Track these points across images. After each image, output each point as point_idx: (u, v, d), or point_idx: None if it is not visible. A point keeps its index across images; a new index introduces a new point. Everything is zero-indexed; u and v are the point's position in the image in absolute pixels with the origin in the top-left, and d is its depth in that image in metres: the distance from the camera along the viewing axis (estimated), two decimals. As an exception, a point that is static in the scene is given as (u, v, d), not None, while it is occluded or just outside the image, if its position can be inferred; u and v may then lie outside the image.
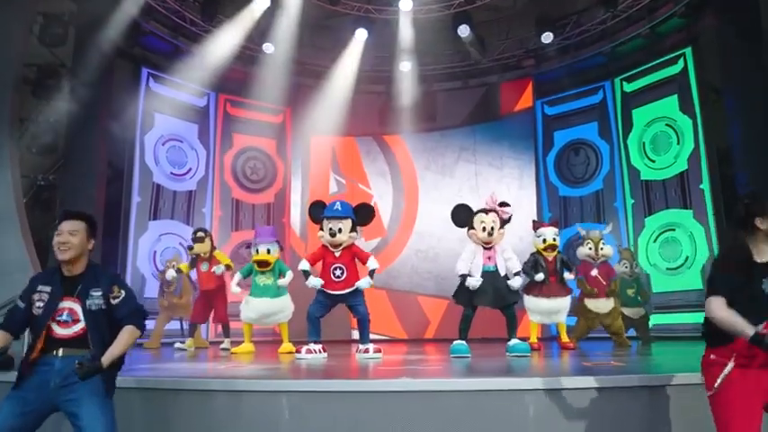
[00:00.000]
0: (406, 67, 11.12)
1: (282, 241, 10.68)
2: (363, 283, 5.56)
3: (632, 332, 7.59)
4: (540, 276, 6.38)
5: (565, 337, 6.62)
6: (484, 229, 5.39)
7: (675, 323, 8.84)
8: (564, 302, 6.53)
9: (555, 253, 6.60)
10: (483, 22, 11.01)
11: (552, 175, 11.10)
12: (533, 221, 7.15)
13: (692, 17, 9.17)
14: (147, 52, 9.96)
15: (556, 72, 10.91)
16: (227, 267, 7.24)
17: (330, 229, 5.54)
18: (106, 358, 2.40)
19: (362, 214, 5.76)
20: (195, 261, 7.43)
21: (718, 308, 2.24)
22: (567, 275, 6.56)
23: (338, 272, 5.54)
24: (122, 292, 2.55)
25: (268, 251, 6.48)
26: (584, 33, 10.39)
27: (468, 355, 5.19)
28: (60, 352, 2.45)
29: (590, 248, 6.87)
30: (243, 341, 6.69)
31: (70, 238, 2.53)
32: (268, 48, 10.46)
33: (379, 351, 5.48)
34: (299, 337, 6.08)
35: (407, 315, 11.00)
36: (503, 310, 5.44)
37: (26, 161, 8.17)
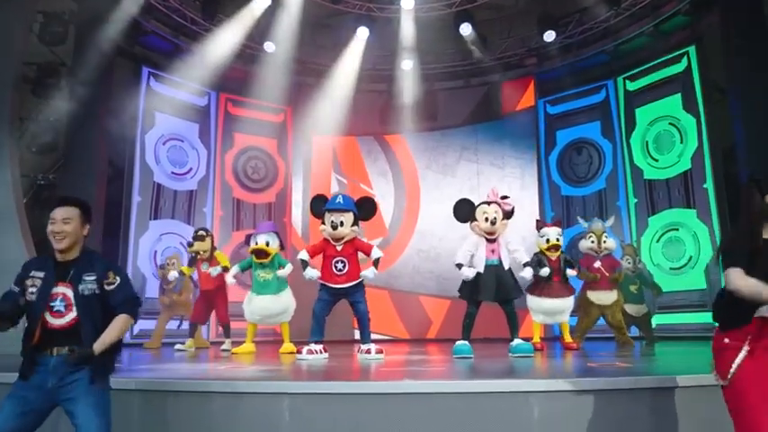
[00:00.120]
0: (407, 66, 11.07)
1: (284, 240, 10.71)
2: (369, 272, 5.47)
3: (635, 331, 7.54)
4: (545, 271, 6.27)
5: (568, 338, 6.58)
6: (486, 219, 5.35)
7: (679, 323, 8.78)
8: (567, 303, 6.49)
9: (558, 253, 6.55)
10: (485, 21, 10.96)
11: (555, 174, 11.05)
12: (537, 221, 7.10)
13: (696, 15, 9.12)
14: (148, 51, 9.93)
15: (558, 71, 10.86)
16: (224, 269, 7.15)
17: (332, 221, 5.46)
18: (98, 345, 2.37)
19: (365, 208, 5.68)
20: (195, 260, 7.40)
21: (739, 277, 2.16)
22: (570, 272, 6.51)
23: (340, 265, 5.46)
24: (117, 278, 2.50)
25: (267, 243, 6.42)
26: (586, 32, 10.34)
27: (471, 355, 5.15)
28: (55, 351, 2.41)
29: (592, 241, 6.82)
30: (244, 341, 6.66)
31: (64, 226, 2.47)
32: (269, 46, 10.43)
33: (380, 351, 5.43)
34: (301, 336, 6.04)
35: (409, 315, 10.97)
36: (502, 306, 5.39)
37: (26, 160, 8.15)
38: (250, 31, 10.15)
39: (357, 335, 6.00)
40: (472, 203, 5.57)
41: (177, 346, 7.15)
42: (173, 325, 8.58)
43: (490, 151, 11.42)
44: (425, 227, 11.36)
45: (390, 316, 10.91)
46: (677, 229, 9.21)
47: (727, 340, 2.25)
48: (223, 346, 7.07)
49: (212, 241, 7.47)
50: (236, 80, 10.71)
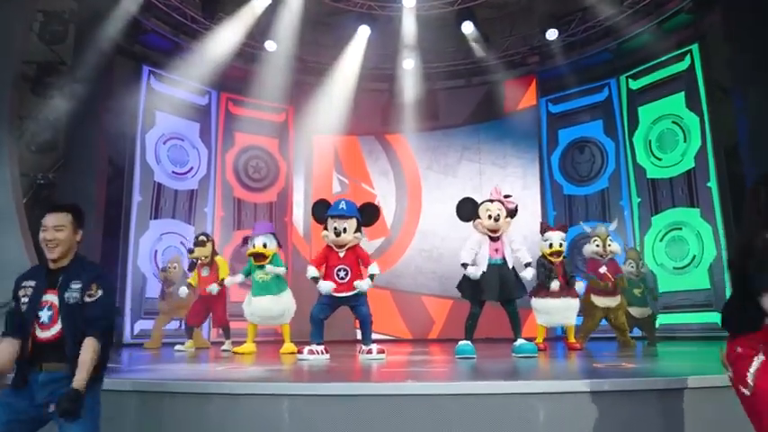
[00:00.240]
0: (409, 65, 11.02)
1: (284, 240, 10.67)
2: (364, 284, 5.43)
3: (637, 331, 7.49)
4: (555, 285, 6.25)
5: (572, 338, 6.52)
6: (489, 216, 5.30)
7: (682, 323, 8.73)
8: (573, 303, 6.42)
9: (560, 258, 6.51)
10: (486, 19, 10.91)
11: (557, 173, 10.99)
12: (541, 224, 7.06)
13: (699, 13, 9.05)
14: (148, 50, 9.88)
15: (560, 69, 10.76)
16: (221, 283, 7.10)
17: (335, 228, 5.43)
18: (78, 382, 2.24)
19: (368, 214, 5.65)
20: (195, 265, 7.38)
21: None
22: (578, 285, 6.49)
23: (342, 273, 5.44)
24: (99, 291, 2.41)
25: (264, 245, 6.38)
26: (589, 30, 10.28)
27: (474, 355, 5.10)
28: (43, 366, 2.37)
29: (597, 245, 6.77)
30: (245, 341, 6.62)
31: (56, 234, 2.42)
32: (270, 45, 10.38)
33: (382, 352, 5.40)
34: (302, 337, 5.99)
35: (412, 315, 10.92)
36: (505, 306, 5.33)
37: (25, 160, 8.11)
38: (251, 30, 10.10)
39: (359, 335, 5.95)
40: (475, 202, 5.52)
41: (177, 347, 7.12)
42: (174, 325, 8.53)
43: (492, 151, 11.37)
44: (427, 227, 11.31)
45: (392, 316, 10.86)
46: (680, 229, 9.15)
47: (739, 349, 2.17)
48: (223, 347, 7.03)
49: (213, 246, 7.45)
50: (236, 79, 10.67)
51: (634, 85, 10.10)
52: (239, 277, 6.67)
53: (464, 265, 5.26)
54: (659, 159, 9.61)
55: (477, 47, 10.86)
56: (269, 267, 6.34)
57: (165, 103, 9.96)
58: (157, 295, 8.61)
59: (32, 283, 2.44)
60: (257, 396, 2.95)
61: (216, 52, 9.83)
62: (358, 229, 5.51)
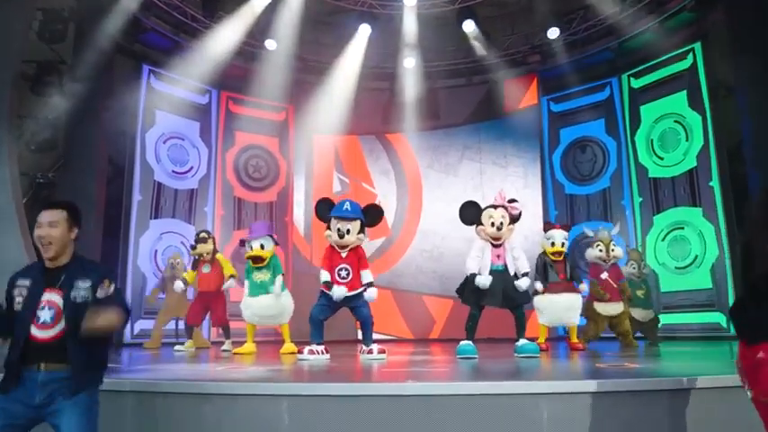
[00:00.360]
0: (409, 64, 10.98)
1: (285, 240, 10.65)
2: (372, 293, 5.43)
3: (639, 333, 7.45)
4: (539, 286, 6.28)
5: (575, 338, 6.48)
6: (492, 224, 5.26)
7: (684, 323, 8.69)
8: (575, 300, 6.38)
9: (561, 258, 6.48)
10: (487, 18, 10.87)
11: (558, 172, 10.95)
12: (545, 223, 7.03)
13: (702, 12, 8.99)
14: (148, 48, 9.84)
15: (562, 68, 10.71)
16: (233, 277, 7.22)
17: (338, 229, 5.42)
18: (89, 321, 2.20)
19: (371, 215, 5.64)
20: (197, 262, 7.35)
21: None
22: (582, 287, 6.46)
23: (344, 273, 5.43)
24: (112, 286, 2.38)
25: (261, 246, 6.37)
26: (590, 28, 10.23)
27: (475, 355, 5.07)
28: (43, 366, 2.29)
29: (600, 251, 6.72)
30: (245, 341, 6.59)
31: (50, 231, 2.36)
32: (270, 44, 10.35)
33: (383, 352, 5.37)
34: (303, 337, 5.96)
35: (413, 315, 10.89)
36: (512, 311, 5.31)
37: (25, 159, 8.07)
38: (251, 29, 10.07)
39: (359, 335, 5.93)
40: (478, 206, 5.48)
41: (177, 347, 7.09)
42: (173, 325, 8.50)
43: (493, 150, 11.33)
44: (428, 226, 11.28)
45: (393, 316, 10.83)
46: (683, 228, 9.10)
47: (761, 354, 2.01)
48: (223, 347, 7.01)
49: (214, 243, 7.43)
50: (237, 78, 10.63)
51: (636, 83, 10.06)
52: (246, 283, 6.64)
53: (472, 276, 5.22)
54: (661, 158, 9.57)
55: (479, 45, 10.82)
56: (278, 283, 6.31)
57: (165, 102, 9.93)
58: (159, 286, 8.58)
59: (27, 282, 2.37)
60: (256, 396, 2.92)
61: (216, 51, 9.80)
62: (361, 230, 5.50)
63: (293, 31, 10.12)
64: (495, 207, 5.36)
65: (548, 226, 6.78)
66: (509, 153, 11.25)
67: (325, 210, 5.57)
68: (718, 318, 8.29)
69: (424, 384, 3.04)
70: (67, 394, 2.28)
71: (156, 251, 9.49)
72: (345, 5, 10.54)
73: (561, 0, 10.30)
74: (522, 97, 11.29)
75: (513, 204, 5.41)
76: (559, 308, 6.32)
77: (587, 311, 6.65)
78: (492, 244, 5.31)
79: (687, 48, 9.27)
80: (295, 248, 11.09)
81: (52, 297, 2.34)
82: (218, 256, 7.40)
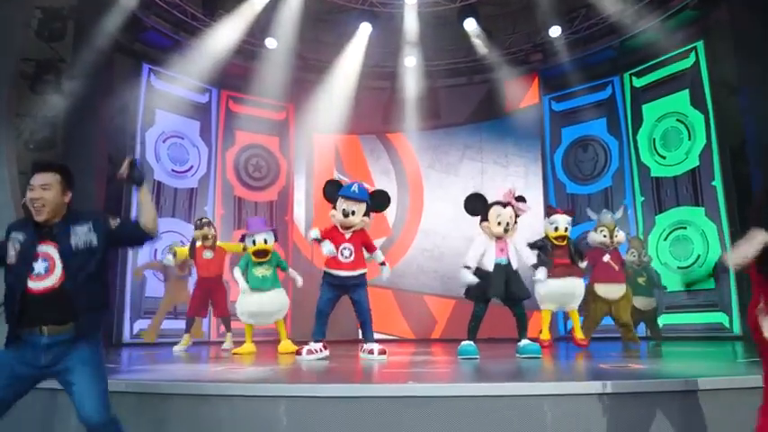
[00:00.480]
0: (410, 63, 10.94)
1: (285, 239, 10.61)
2: (385, 271, 5.67)
3: (642, 331, 7.41)
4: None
5: (579, 333, 6.40)
6: (499, 223, 5.20)
7: (686, 323, 8.65)
8: (578, 285, 6.31)
9: (565, 242, 6.42)
10: (489, 16, 10.82)
11: (560, 172, 10.90)
12: (548, 207, 6.95)
13: (704, 10, 8.95)
14: (148, 47, 9.80)
15: (563, 67, 10.64)
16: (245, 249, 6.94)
17: (344, 209, 5.39)
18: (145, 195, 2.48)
19: (378, 200, 5.62)
20: (193, 247, 7.30)
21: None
22: (582, 264, 6.37)
23: (347, 252, 5.39)
24: (117, 218, 2.47)
25: (265, 241, 6.35)
26: (592, 27, 10.18)
27: (477, 356, 5.03)
28: (46, 330, 2.27)
29: (604, 236, 6.63)
30: (244, 341, 6.56)
31: (43, 193, 2.32)
32: (270, 42, 10.31)
33: (383, 352, 5.32)
34: (303, 337, 5.93)
35: (414, 315, 10.85)
36: (512, 308, 5.26)
37: (24, 158, 8.02)
38: (251, 27, 10.02)
39: (360, 334, 5.89)
40: (485, 200, 5.40)
41: (176, 348, 7.06)
42: (175, 326, 8.46)
43: (494, 149, 11.29)
44: (429, 226, 11.24)
45: (394, 316, 10.79)
46: (685, 228, 9.06)
47: None
48: (224, 345, 6.98)
49: (215, 229, 7.43)
50: (237, 77, 10.59)
51: (638, 82, 10.01)
52: (240, 279, 6.50)
53: (466, 268, 5.17)
54: (663, 158, 9.52)
55: (480, 44, 10.77)
56: (292, 274, 6.59)
57: (165, 101, 9.89)
58: (157, 293, 8.54)
59: (21, 236, 2.34)
60: (254, 398, 2.88)
61: (216, 50, 9.75)
62: (366, 214, 5.47)
63: (293, 30, 10.08)
64: (503, 205, 5.27)
65: (551, 210, 6.73)
66: (510, 152, 11.20)
67: (333, 190, 5.54)
68: (721, 318, 8.25)
69: (425, 386, 3.00)
70: (72, 349, 2.30)
71: (155, 250, 9.45)
72: (346, 4, 10.50)
73: (563, -2, 10.26)
74: (523, 96, 11.24)
75: (520, 205, 5.33)
76: (560, 292, 6.26)
77: (588, 295, 6.53)
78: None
79: (689, 46, 9.22)
80: (295, 247, 11.05)
81: (46, 249, 2.32)
82: (220, 243, 7.39)
